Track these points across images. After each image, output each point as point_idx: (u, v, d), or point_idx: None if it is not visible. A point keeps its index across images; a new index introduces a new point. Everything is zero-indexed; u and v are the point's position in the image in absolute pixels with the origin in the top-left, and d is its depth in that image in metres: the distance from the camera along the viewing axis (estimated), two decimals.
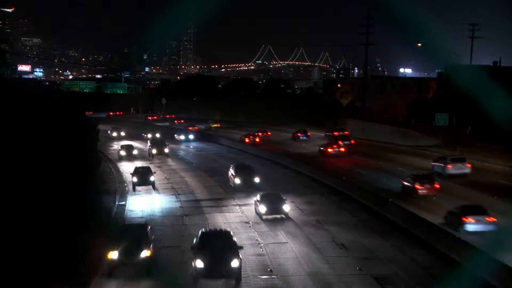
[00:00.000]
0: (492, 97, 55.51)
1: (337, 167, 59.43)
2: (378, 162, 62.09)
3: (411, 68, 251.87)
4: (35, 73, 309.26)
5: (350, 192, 45.61)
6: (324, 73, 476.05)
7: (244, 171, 49.82)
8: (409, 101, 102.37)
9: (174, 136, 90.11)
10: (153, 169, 54.78)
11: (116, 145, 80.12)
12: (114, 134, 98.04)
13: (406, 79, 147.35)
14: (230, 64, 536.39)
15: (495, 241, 29.66)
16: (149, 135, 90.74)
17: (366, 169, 57.46)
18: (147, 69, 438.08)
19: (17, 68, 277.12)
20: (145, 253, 27.79)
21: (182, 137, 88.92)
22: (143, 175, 50.40)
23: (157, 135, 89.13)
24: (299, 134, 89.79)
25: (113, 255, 27.54)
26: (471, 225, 33.69)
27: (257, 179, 48.73)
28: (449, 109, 79.19)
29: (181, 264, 29.83)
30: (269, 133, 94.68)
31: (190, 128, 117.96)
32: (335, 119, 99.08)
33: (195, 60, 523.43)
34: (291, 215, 40.09)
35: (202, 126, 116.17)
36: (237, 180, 48.56)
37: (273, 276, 28.17)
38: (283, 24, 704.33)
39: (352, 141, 76.18)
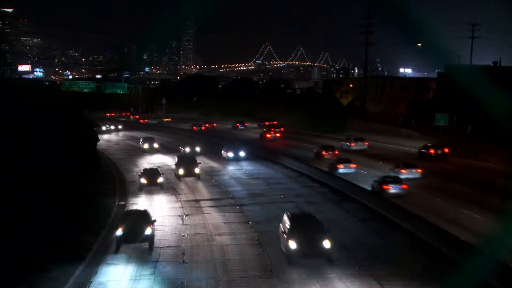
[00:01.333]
0: (492, 97, 55.55)
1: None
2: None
3: (411, 68, 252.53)
4: (35, 73, 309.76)
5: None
6: (324, 73, 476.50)
7: (304, 227, 29.75)
8: (409, 101, 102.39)
9: (221, 152, 71.71)
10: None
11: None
12: (146, 146, 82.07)
13: (406, 79, 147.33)
14: (230, 64, 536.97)
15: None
16: (187, 149, 73.51)
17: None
18: (147, 69, 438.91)
19: (17, 68, 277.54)
20: None
21: (231, 154, 69.78)
22: (134, 225, 32.23)
23: (197, 149, 73.75)
24: (238, 124, 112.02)
25: None
26: (341, 170, 55.21)
27: (326, 244, 28.86)
28: (449, 109, 79.16)
29: (181, 264, 29.85)
30: (214, 124, 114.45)
31: (144, 121, 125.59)
32: (263, 115, 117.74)
33: (195, 60, 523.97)
34: None
35: (154, 121, 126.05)
36: (292, 244, 28.90)
37: None
38: (283, 24, 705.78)
39: (282, 129, 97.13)
